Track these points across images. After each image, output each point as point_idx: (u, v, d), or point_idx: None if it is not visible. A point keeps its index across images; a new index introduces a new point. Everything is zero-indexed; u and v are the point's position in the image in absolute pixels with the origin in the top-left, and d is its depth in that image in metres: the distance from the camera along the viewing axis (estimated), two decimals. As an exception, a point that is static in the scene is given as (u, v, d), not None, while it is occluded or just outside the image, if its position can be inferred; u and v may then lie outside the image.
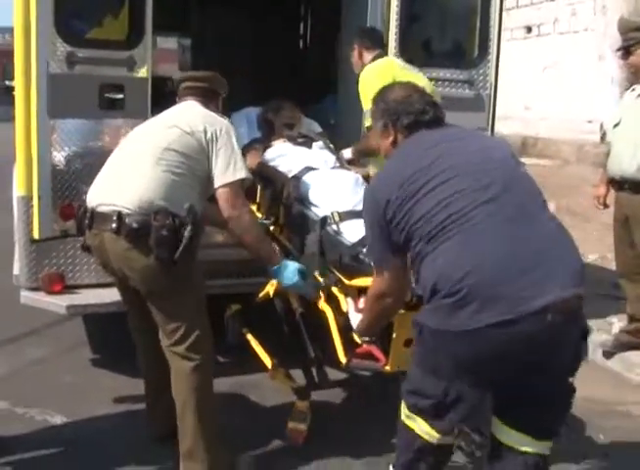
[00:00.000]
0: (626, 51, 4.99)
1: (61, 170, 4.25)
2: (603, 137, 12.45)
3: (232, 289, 4.71)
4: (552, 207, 10.25)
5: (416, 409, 2.82)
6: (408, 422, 2.88)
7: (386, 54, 4.77)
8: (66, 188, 4.25)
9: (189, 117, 3.53)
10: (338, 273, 3.74)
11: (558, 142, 14.30)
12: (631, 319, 5.26)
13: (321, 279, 3.81)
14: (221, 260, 4.56)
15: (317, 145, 4.90)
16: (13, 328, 5.32)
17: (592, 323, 5.73)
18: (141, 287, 3.40)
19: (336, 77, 6.27)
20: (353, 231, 3.87)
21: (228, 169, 3.43)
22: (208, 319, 3.52)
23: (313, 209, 4.15)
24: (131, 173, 3.35)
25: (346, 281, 3.67)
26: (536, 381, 2.63)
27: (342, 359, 3.58)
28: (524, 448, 2.72)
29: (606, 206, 5.39)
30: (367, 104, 4.64)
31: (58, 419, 4.12)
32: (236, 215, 3.45)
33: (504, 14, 5.20)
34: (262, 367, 4.07)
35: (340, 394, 4.50)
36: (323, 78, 7.13)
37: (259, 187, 4.63)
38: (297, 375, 4.01)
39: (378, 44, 4.81)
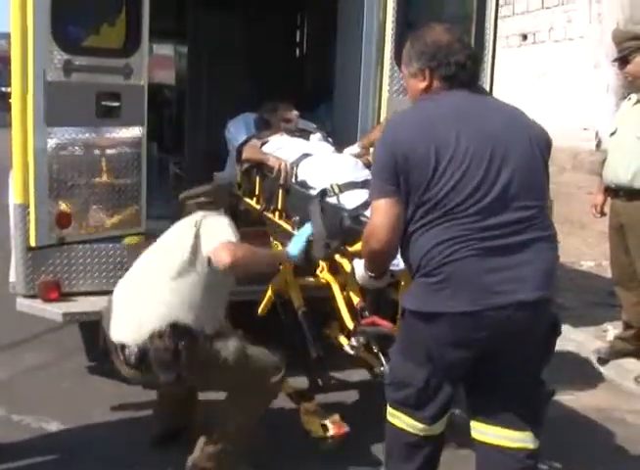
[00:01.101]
0: (623, 60, 5.02)
1: (57, 178, 4.24)
2: (598, 145, 12.48)
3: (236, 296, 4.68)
4: (548, 214, 10.29)
5: (398, 403, 2.89)
6: (392, 420, 2.93)
7: None
8: (62, 196, 4.25)
9: (186, 227, 3.50)
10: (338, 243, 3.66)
11: (553, 149, 14.27)
12: (626, 326, 5.28)
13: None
14: None
15: (315, 137, 4.95)
16: (9, 335, 5.32)
17: (587, 331, 5.77)
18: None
19: (331, 86, 6.29)
20: (354, 199, 3.84)
21: (213, 237, 3.37)
22: (261, 359, 3.50)
23: (311, 191, 4.10)
24: (132, 304, 3.40)
25: (348, 248, 3.61)
26: (503, 369, 2.73)
27: (350, 325, 3.56)
28: (506, 444, 2.76)
29: (603, 214, 5.41)
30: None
31: (54, 426, 4.11)
32: (231, 264, 3.28)
33: (500, 21, 5.21)
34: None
35: (337, 399, 4.51)
36: (319, 87, 7.15)
37: (258, 178, 4.64)
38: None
39: None
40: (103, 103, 4.29)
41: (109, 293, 4.06)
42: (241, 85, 7.20)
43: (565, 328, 5.58)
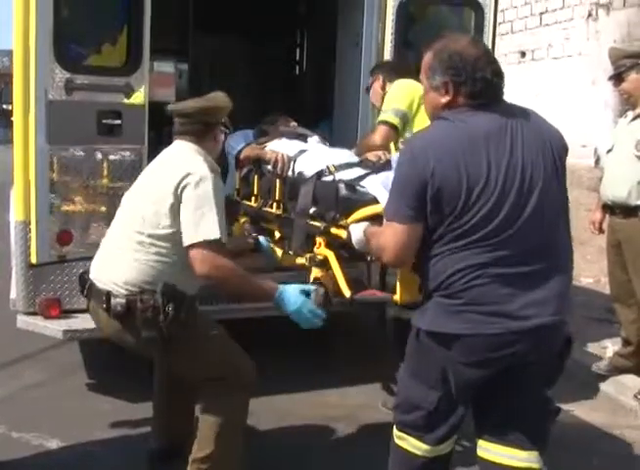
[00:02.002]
0: (618, 78, 5.06)
1: (59, 196, 4.26)
2: (597, 161, 12.48)
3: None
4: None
5: (405, 425, 2.88)
6: (399, 442, 2.91)
7: None
8: (63, 213, 4.27)
9: (168, 183, 3.28)
10: (334, 214, 3.63)
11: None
12: (625, 343, 5.28)
13: (319, 224, 3.72)
14: None
15: (313, 139, 4.96)
16: (9, 352, 5.32)
17: (586, 347, 5.77)
18: (146, 356, 3.52)
19: (331, 103, 6.33)
20: (350, 174, 3.81)
21: (191, 228, 3.22)
22: (237, 355, 3.46)
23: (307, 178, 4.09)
24: (119, 253, 3.36)
25: (344, 220, 3.53)
26: (515, 389, 2.74)
27: (347, 294, 3.48)
28: (512, 463, 2.76)
29: (601, 231, 5.42)
30: (388, 105, 4.55)
31: (54, 443, 4.11)
32: (205, 274, 3.23)
33: (498, 39, 5.26)
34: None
35: (341, 414, 4.52)
36: (318, 105, 7.19)
37: (256, 178, 4.66)
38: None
39: (401, 75, 4.66)
40: (104, 121, 4.32)
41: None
42: (241, 103, 7.22)
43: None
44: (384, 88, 4.75)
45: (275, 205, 4.33)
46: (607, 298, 6.16)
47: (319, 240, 3.73)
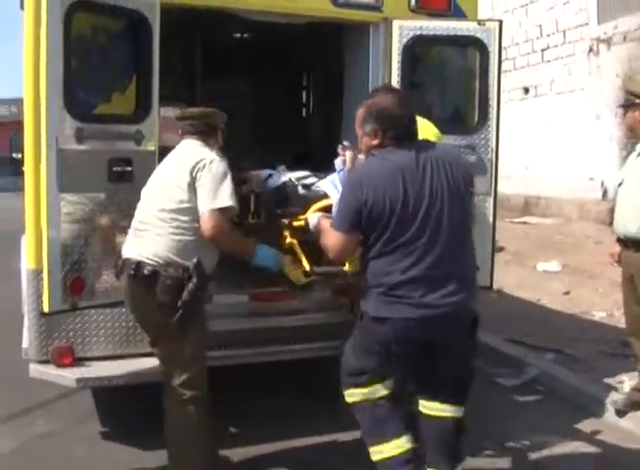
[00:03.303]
0: (625, 109, 5.11)
1: (70, 244, 4.25)
2: (604, 194, 12.49)
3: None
4: (556, 265, 10.28)
5: (352, 384, 3.68)
6: (351, 399, 3.71)
7: None
8: (75, 261, 4.25)
9: (184, 167, 3.88)
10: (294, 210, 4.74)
11: (560, 200, 14.39)
12: (642, 377, 5.24)
13: (285, 221, 4.69)
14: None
15: (280, 168, 5.59)
16: (22, 401, 5.30)
17: (602, 382, 5.72)
18: (150, 331, 3.97)
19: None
20: (307, 181, 5.08)
21: (208, 198, 3.80)
22: (205, 364, 3.96)
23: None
24: (145, 232, 3.88)
25: (302, 215, 4.56)
26: (440, 358, 3.59)
27: (307, 267, 4.47)
28: (442, 414, 3.63)
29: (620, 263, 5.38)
30: None
31: (68, 494, 4.08)
32: (212, 237, 3.82)
33: (502, 76, 5.29)
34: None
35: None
36: (327, 148, 7.21)
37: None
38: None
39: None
40: (115, 168, 4.33)
41: (122, 357, 4.08)
42: (248, 147, 7.29)
43: (579, 380, 5.60)
44: None
45: (251, 216, 5.12)
46: (620, 331, 6.13)
47: (285, 233, 4.65)
